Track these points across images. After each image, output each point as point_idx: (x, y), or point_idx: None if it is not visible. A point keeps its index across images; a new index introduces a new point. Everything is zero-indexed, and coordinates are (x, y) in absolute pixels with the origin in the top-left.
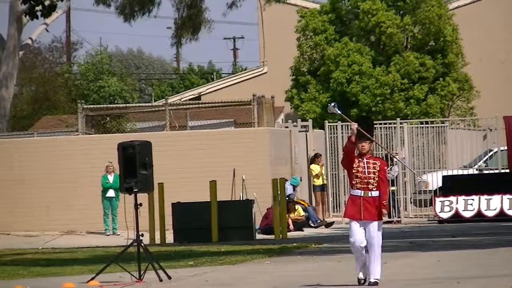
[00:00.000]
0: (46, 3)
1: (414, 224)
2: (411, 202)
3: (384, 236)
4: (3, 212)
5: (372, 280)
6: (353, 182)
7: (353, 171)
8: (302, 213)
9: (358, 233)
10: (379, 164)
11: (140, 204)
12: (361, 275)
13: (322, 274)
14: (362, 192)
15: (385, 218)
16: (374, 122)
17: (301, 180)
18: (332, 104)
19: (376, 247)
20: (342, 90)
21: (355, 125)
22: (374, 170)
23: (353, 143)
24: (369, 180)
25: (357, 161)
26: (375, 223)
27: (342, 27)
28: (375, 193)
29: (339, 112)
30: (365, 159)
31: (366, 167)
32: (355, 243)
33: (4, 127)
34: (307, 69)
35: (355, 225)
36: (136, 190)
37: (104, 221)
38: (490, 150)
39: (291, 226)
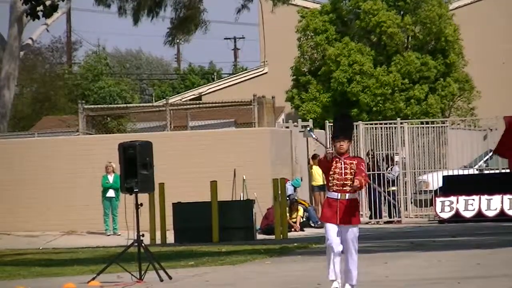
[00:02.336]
0: (47, 3)
1: (415, 224)
2: (411, 202)
3: (384, 236)
4: (4, 212)
5: (348, 286)
6: (330, 184)
7: (330, 172)
8: (301, 213)
9: (334, 236)
10: (355, 162)
11: (141, 204)
12: (336, 285)
13: (322, 274)
14: (339, 194)
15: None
16: (375, 122)
17: (301, 180)
18: (308, 129)
19: (353, 252)
20: (342, 90)
21: (330, 151)
22: (351, 171)
23: (328, 162)
24: (346, 182)
25: (334, 161)
26: (352, 228)
27: (343, 27)
28: (352, 195)
29: (314, 137)
30: (342, 159)
31: (343, 168)
32: (332, 246)
33: (5, 128)
34: (307, 69)
35: (331, 228)
36: (137, 190)
37: (105, 221)
38: (491, 150)
39: (297, 226)
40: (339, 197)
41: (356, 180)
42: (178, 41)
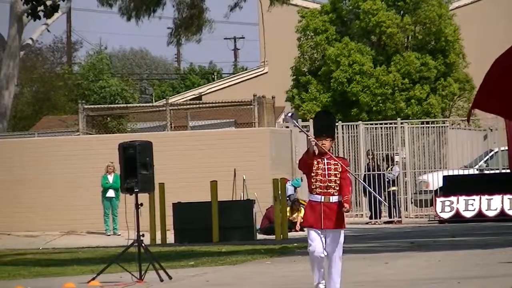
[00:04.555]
0: (48, 3)
1: (415, 224)
2: (411, 202)
3: (384, 236)
4: (4, 212)
5: None
6: (312, 187)
7: (312, 174)
8: (302, 214)
9: (317, 242)
10: (340, 164)
11: (141, 204)
12: (321, 286)
13: None
14: (322, 197)
15: (349, 221)
16: (375, 122)
17: (301, 180)
18: (289, 114)
19: (337, 259)
20: (342, 90)
21: (313, 140)
22: (336, 172)
23: (311, 157)
24: (330, 184)
25: (316, 162)
26: (336, 233)
27: (343, 27)
28: (337, 198)
29: (296, 123)
30: (325, 159)
31: (326, 169)
32: (315, 252)
33: (5, 127)
34: (307, 69)
35: (314, 233)
36: (137, 190)
37: (105, 221)
38: (491, 150)
39: (297, 226)
40: (322, 200)
41: (345, 206)
42: (184, 42)
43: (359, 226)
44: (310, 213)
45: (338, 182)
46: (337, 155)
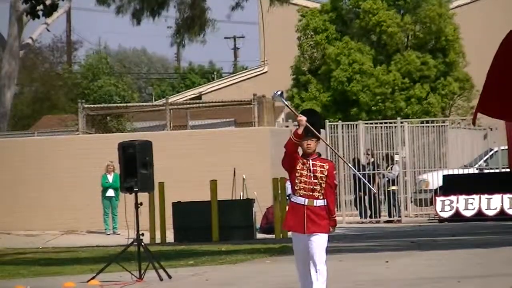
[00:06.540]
0: (47, 2)
1: (415, 223)
2: (411, 202)
3: (384, 236)
4: (4, 211)
5: None
6: (296, 188)
7: (296, 174)
8: None
9: (302, 248)
10: (327, 167)
11: (141, 204)
12: None
13: None
14: (306, 200)
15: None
16: (375, 121)
17: None
18: (279, 92)
19: (320, 264)
20: (342, 89)
21: (303, 118)
22: (321, 175)
23: (299, 136)
24: (315, 186)
25: (301, 162)
26: (320, 237)
27: (343, 26)
28: (321, 202)
29: (284, 101)
30: (310, 160)
31: (311, 170)
32: (300, 259)
33: (5, 127)
34: (307, 68)
35: (298, 239)
36: (137, 189)
37: (104, 221)
38: (491, 150)
39: None
40: (306, 203)
41: (331, 230)
42: (188, 41)
43: (358, 225)
44: (292, 215)
45: (324, 186)
46: (325, 157)
